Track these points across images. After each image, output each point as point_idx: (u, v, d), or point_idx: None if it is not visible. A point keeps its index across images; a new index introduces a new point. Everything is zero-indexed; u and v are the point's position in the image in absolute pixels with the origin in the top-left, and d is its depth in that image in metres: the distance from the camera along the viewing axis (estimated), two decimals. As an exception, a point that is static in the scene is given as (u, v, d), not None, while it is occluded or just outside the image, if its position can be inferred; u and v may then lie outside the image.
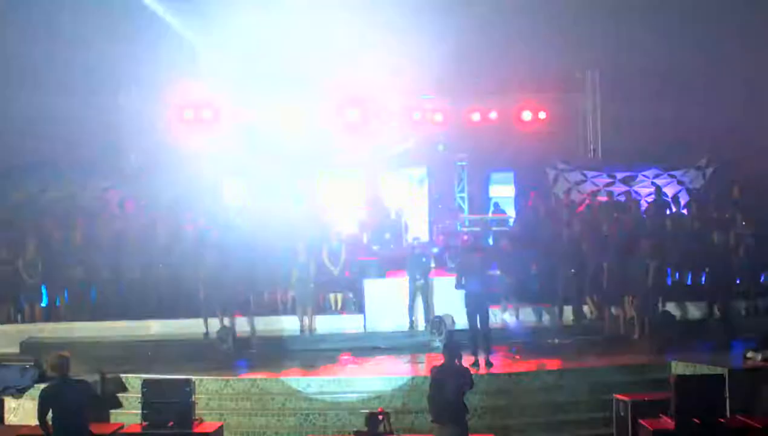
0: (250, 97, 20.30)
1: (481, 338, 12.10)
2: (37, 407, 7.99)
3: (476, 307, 12.15)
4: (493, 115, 20.87)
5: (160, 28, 19.59)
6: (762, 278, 15.17)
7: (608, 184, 19.93)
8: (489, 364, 11.94)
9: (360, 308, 15.10)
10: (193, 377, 10.57)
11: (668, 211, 17.28)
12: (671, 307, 14.70)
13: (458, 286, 12.31)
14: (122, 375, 11.88)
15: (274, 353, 13.78)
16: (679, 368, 11.56)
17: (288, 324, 14.93)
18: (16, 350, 13.65)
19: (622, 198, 18.41)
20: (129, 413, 10.98)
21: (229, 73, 19.86)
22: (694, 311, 15.04)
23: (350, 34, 19.80)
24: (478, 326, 12.14)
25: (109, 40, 18.25)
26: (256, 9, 18.95)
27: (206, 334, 14.16)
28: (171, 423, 9.44)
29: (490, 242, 16.82)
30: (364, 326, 14.74)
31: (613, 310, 14.34)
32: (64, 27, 18.63)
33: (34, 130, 18.87)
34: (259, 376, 11.85)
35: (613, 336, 14.01)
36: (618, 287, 14.03)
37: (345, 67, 19.70)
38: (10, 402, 11.54)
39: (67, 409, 7.87)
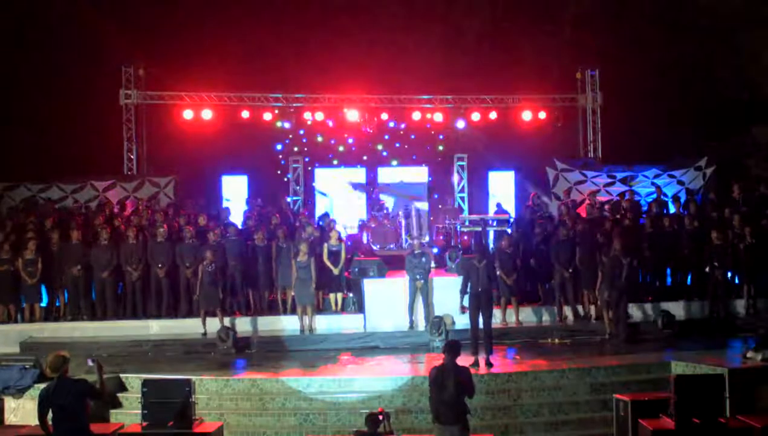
0: (250, 95, 20.40)
1: (483, 338, 12.12)
2: (36, 408, 7.99)
3: (479, 307, 12.18)
4: (493, 115, 20.92)
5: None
6: (761, 278, 15.14)
7: (608, 184, 19.95)
8: (489, 364, 11.95)
9: (360, 308, 15.11)
10: (193, 377, 10.58)
11: (666, 211, 17.27)
12: (671, 306, 14.72)
13: (464, 291, 12.33)
14: (122, 375, 11.89)
15: (274, 353, 13.79)
16: (679, 368, 11.57)
17: (288, 324, 14.93)
18: (16, 350, 13.65)
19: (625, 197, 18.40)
20: (129, 413, 10.98)
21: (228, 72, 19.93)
22: (693, 310, 15.07)
23: (350, 33, 19.87)
24: (480, 326, 12.17)
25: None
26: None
27: (204, 334, 14.16)
28: (171, 423, 9.42)
29: (490, 241, 16.84)
30: (364, 326, 14.74)
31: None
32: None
33: (35, 130, 18.93)
34: (259, 376, 11.84)
35: (613, 336, 14.05)
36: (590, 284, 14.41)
37: (346, 66, 19.76)
38: (10, 402, 11.54)
39: (67, 409, 7.87)
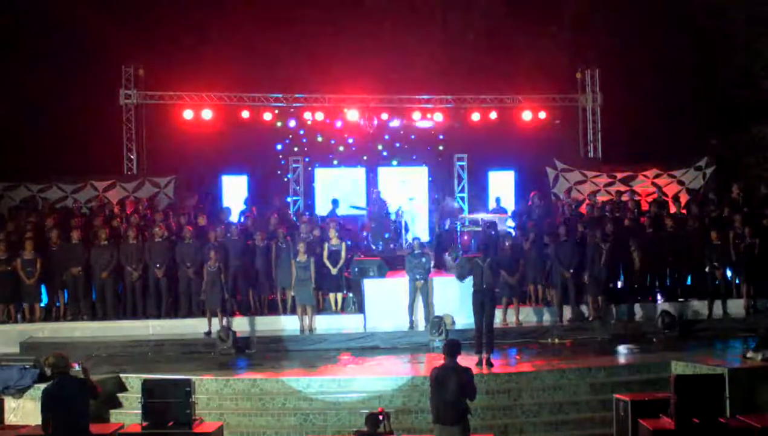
0: (250, 95, 20.41)
1: (485, 336, 12.13)
2: (40, 408, 7.98)
3: (482, 307, 12.19)
4: (493, 115, 20.91)
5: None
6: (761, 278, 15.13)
7: (608, 184, 19.96)
8: (489, 364, 11.96)
9: (360, 308, 15.11)
10: (193, 377, 10.58)
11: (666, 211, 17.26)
12: (670, 306, 14.72)
13: (460, 277, 12.43)
14: (122, 375, 11.90)
15: (274, 353, 13.79)
16: (679, 368, 11.57)
17: (288, 324, 14.93)
18: (16, 350, 13.65)
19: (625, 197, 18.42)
20: (129, 413, 10.99)
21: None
22: (693, 311, 15.06)
23: (350, 33, 19.86)
24: (483, 326, 12.17)
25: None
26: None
27: (209, 333, 14.16)
28: (171, 423, 9.42)
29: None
30: (364, 326, 14.74)
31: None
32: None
33: (35, 129, 18.91)
34: (259, 376, 11.85)
35: (615, 336, 14.09)
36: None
37: (346, 66, 19.75)
38: (10, 402, 11.53)
39: (69, 408, 7.87)
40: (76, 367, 8.58)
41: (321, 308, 15.31)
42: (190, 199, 18.09)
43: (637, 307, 15.04)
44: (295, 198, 20.75)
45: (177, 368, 12.43)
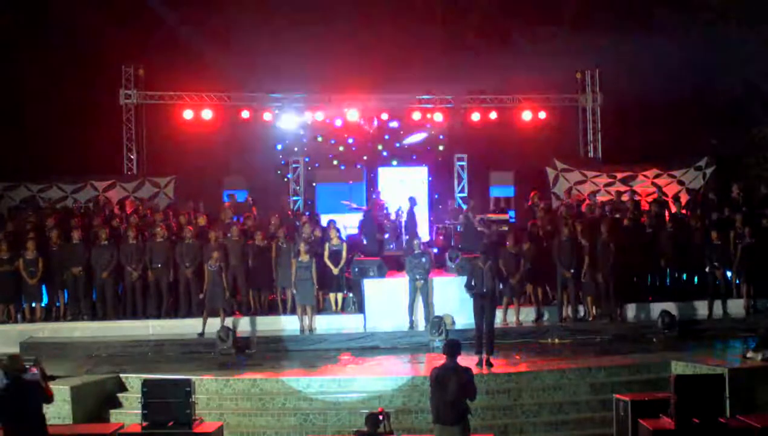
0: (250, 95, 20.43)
1: (485, 337, 12.13)
2: None
3: (483, 307, 12.19)
4: (493, 115, 20.92)
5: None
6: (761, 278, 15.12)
7: (608, 184, 19.95)
8: (489, 364, 11.96)
9: (360, 308, 15.11)
10: (193, 377, 10.58)
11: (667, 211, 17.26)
12: (670, 306, 14.70)
13: (469, 290, 12.37)
14: (122, 375, 11.91)
15: (274, 353, 13.80)
16: (679, 368, 11.58)
17: (288, 324, 14.93)
18: (16, 350, 13.61)
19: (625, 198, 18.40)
20: (129, 413, 10.99)
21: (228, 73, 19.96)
22: (693, 311, 15.06)
23: (350, 33, 19.86)
24: (484, 327, 12.18)
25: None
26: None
27: (201, 334, 14.13)
28: (171, 423, 9.42)
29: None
30: (364, 326, 14.74)
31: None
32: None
33: (36, 130, 18.93)
34: (259, 376, 11.86)
35: (615, 336, 14.09)
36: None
37: (346, 66, 19.76)
38: (9, 402, 11.53)
39: (24, 409, 7.84)
40: (35, 371, 8.53)
41: (321, 308, 15.31)
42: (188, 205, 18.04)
43: (637, 307, 15.03)
44: (295, 198, 20.74)
45: (177, 368, 12.43)
